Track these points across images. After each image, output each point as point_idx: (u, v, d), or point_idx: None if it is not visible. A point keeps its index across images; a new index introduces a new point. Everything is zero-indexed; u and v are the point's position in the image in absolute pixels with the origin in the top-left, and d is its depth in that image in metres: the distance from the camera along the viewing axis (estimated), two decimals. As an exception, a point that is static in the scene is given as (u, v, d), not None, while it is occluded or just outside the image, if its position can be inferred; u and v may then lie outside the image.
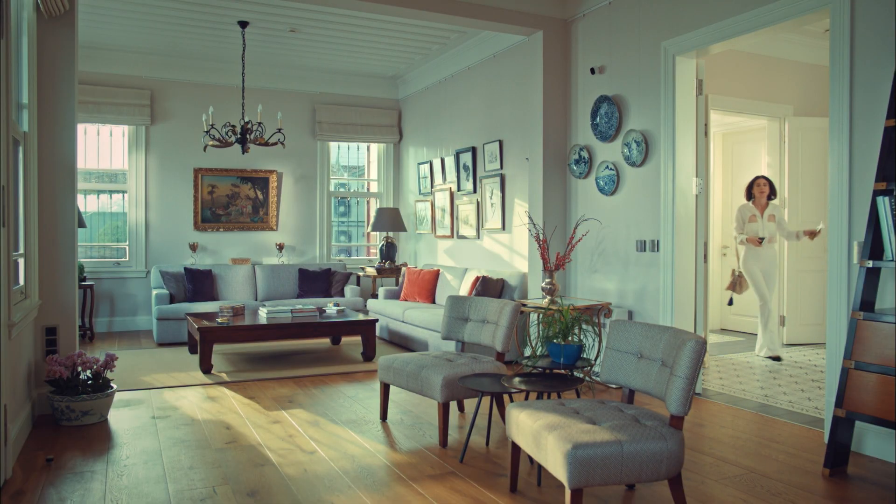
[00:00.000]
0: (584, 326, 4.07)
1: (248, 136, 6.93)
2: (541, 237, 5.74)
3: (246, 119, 6.96)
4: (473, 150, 7.59)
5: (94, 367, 4.38)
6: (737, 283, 6.50)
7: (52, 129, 4.52)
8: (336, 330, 6.54)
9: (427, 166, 8.62)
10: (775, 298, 6.55)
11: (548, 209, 6.05)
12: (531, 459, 3.50)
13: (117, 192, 8.38)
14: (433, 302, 7.60)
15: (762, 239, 6.27)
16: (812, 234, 6.17)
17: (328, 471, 3.46)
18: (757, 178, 6.48)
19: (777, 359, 6.25)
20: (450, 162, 8.09)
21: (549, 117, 6.04)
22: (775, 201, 6.52)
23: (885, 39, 3.65)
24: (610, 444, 2.55)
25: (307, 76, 8.96)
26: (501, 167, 7.13)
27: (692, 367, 2.67)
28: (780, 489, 3.21)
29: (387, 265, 8.79)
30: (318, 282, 8.37)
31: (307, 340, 7.44)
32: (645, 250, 5.28)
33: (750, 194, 6.47)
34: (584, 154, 5.86)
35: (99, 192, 8.33)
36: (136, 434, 4.09)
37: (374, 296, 8.40)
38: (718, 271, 8.09)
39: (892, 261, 3.35)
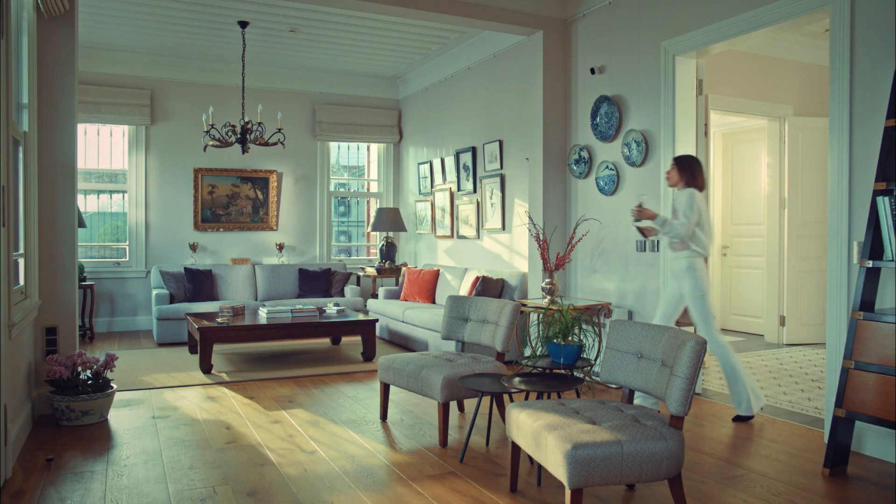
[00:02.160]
0: (584, 326, 4.06)
1: (248, 136, 6.93)
2: (541, 237, 5.74)
3: (246, 119, 6.96)
4: (473, 150, 7.59)
5: (94, 367, 4.38)
6: None
7: (52, 129, 4.52)
8: (336, 330, 6.54)
9: (427, 166, 8.62)
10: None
11: (548, 209, 6.05)
12: (531, 459, 3.50)
13: (117, 192, 8.38)
14: (433, 302, 7.60)
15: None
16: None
17: (328, 471, 3.46)
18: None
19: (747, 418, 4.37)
20: (450, 162, 8.09)
21: (549, 117, 6.04)
22: (685, 190, 4.36)
23: (885, 39, 3.65)
24: (610, 444, 2.55)
25: (307, 76, 8.96)
26: (501, 167, 7.13)
27: (692, 367, 2.67)
28: (780, 489, 3.21)
29: (387, 265, 8.79)
30: (318, 282, 8.37)
31: (307, 340, 7.44)
32: (645, 250, 5.27)
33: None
34: (584, 154, 5.85)
35: (99, 192, 8.33)
36: (136, 434, 4.09)
37: (374, 296, 8.39)
38: (718, 271, 8.10)
39: (892, 261, 3.35)
